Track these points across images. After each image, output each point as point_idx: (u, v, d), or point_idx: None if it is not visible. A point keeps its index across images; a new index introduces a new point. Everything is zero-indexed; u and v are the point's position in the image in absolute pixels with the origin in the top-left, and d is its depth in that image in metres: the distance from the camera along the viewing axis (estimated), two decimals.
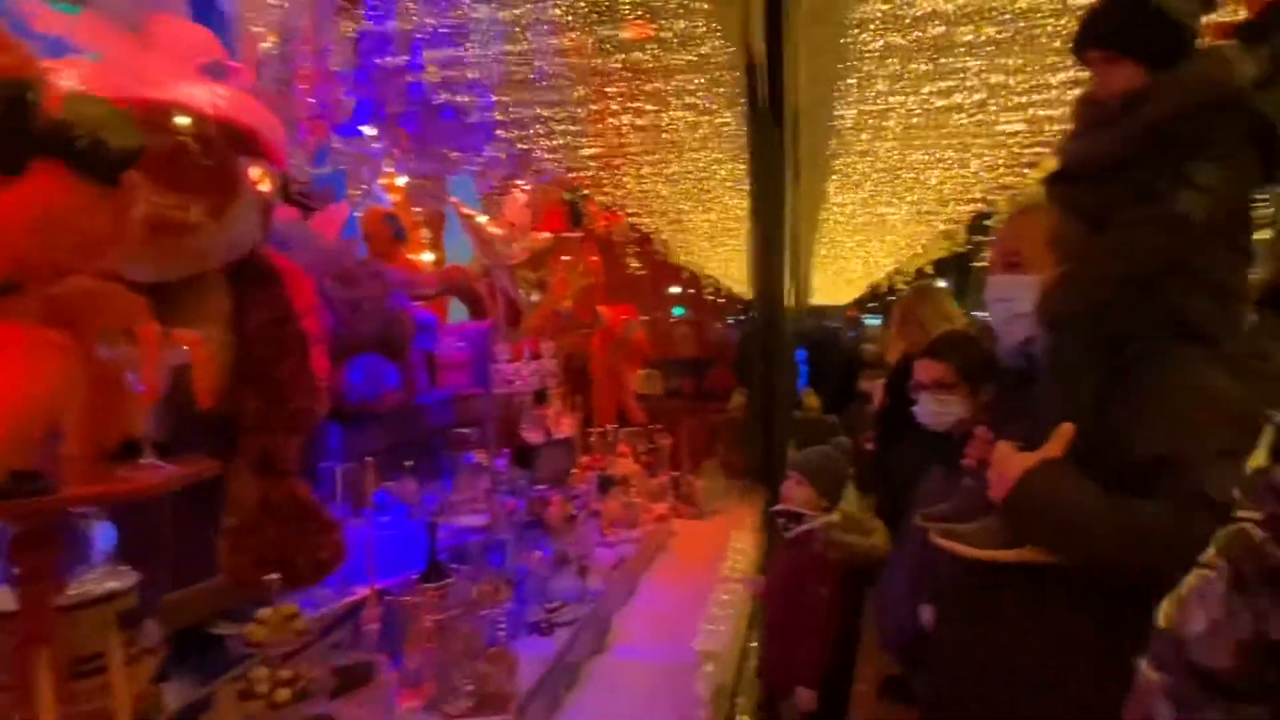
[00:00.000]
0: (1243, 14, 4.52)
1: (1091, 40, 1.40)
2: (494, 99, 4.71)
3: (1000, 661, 1.38)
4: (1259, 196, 1.31)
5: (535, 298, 4.94)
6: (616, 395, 4.90)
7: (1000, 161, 6.78)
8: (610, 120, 5.58)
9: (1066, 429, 1.24)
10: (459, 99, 4.55)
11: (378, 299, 2.50)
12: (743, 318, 7.40)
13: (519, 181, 5.38)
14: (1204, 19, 1.37)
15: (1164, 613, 0.61)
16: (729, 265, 12.17)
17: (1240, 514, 0.56)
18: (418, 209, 4.56)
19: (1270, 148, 1.24)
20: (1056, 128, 5.45)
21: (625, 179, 7.26)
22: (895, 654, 1.95)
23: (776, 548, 2.74)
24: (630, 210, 8.24)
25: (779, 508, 2.61)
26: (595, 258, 5.58)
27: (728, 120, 5.55)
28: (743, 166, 6.03)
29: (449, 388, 3.14)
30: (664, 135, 6.00)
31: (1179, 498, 1.11)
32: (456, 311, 4.27)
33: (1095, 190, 1.33)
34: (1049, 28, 4.06)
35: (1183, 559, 0.62)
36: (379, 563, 1.92)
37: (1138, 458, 1.18)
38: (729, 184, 7.51)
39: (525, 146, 5.52)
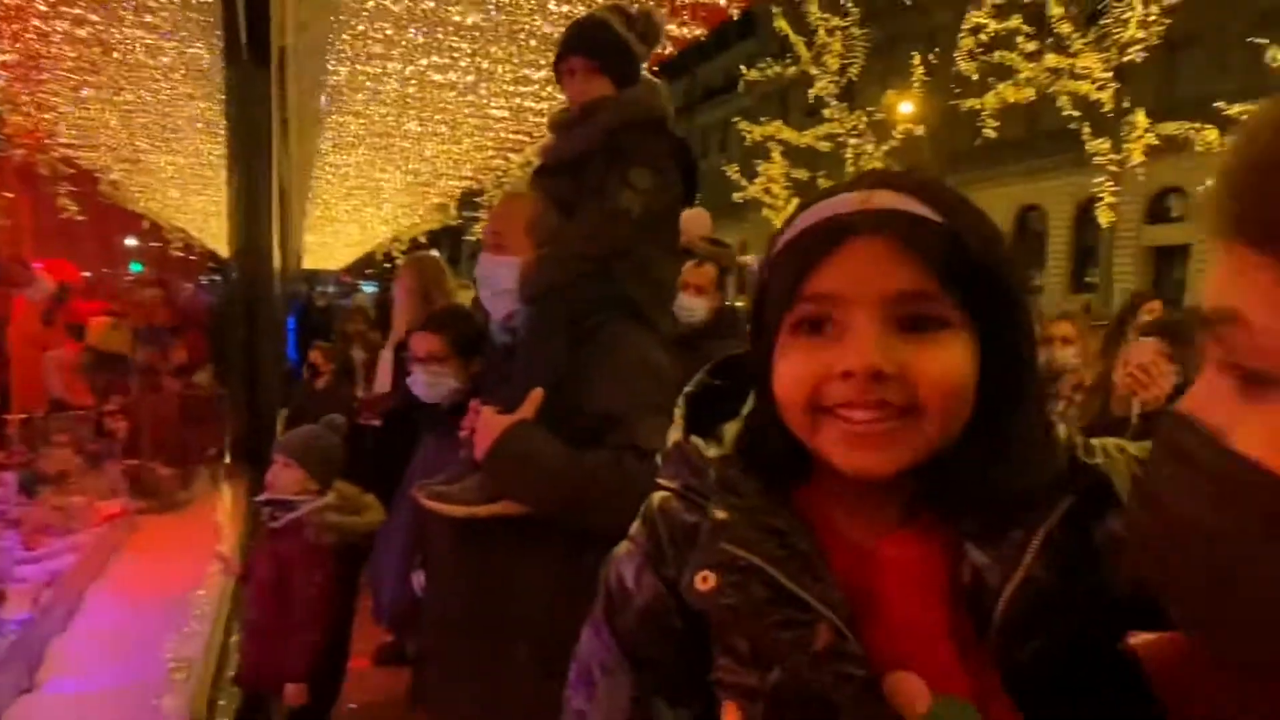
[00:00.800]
0: (670, 49, 5.53)
1: (582, 50, 1.57)
2: None
3: (484, 614, 1.50)
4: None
5: None
6: (46, 373, 3.95)
7: (489, 144, 7.22)
8: (33, 22, 4.40)
9: (537, 394, 1.40)
10: None
11: None
12: (220, 278, 6.59)
13: None
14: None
15: (600, 577, 0.67)
16: (206, 218, 10.71)
17: (662, 482, 0.64)
18: None
19: (690, 170, 1.56)
20: (537, 119, 6.00)
21: (57, 100, 5.83)
22: (389, 623, 1.97)
23: (261, 539, 2.53)
24: (65, 140, 6.66)
25: (264, 496, 2.40)
26: (13, 194, 4.40)
27: (200, 52, 4.84)
28: (219, 108, 5.33)
29: None
30: (114, 55, 4.97)
31: (617, 446, 1.34)
32: None
33: (566, 184, 1.52)
34: (527, 26, 4.44)
35: (620, 500, 0.73)
36: None
37: (590, 415, 1.39)
38: (202, 125, 6.57)
39: None
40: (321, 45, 4.90)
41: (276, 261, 4.87)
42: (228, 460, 3.97)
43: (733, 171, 16.52)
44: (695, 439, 0.63)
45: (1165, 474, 0.35)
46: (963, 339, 0.53)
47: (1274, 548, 0.30)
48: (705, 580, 0.56)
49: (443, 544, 1.63)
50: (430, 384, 2.04)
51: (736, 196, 16.98)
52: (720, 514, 0.58)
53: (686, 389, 0.66)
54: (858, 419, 0.53)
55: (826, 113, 13.94)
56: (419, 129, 6.92)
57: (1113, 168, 12.44)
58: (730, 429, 0.63)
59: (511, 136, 6.89)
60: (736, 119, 17.33)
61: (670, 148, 1.51)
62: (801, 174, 15.23)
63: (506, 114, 6.24)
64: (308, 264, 15.02)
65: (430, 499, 1.48)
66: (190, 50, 4.85)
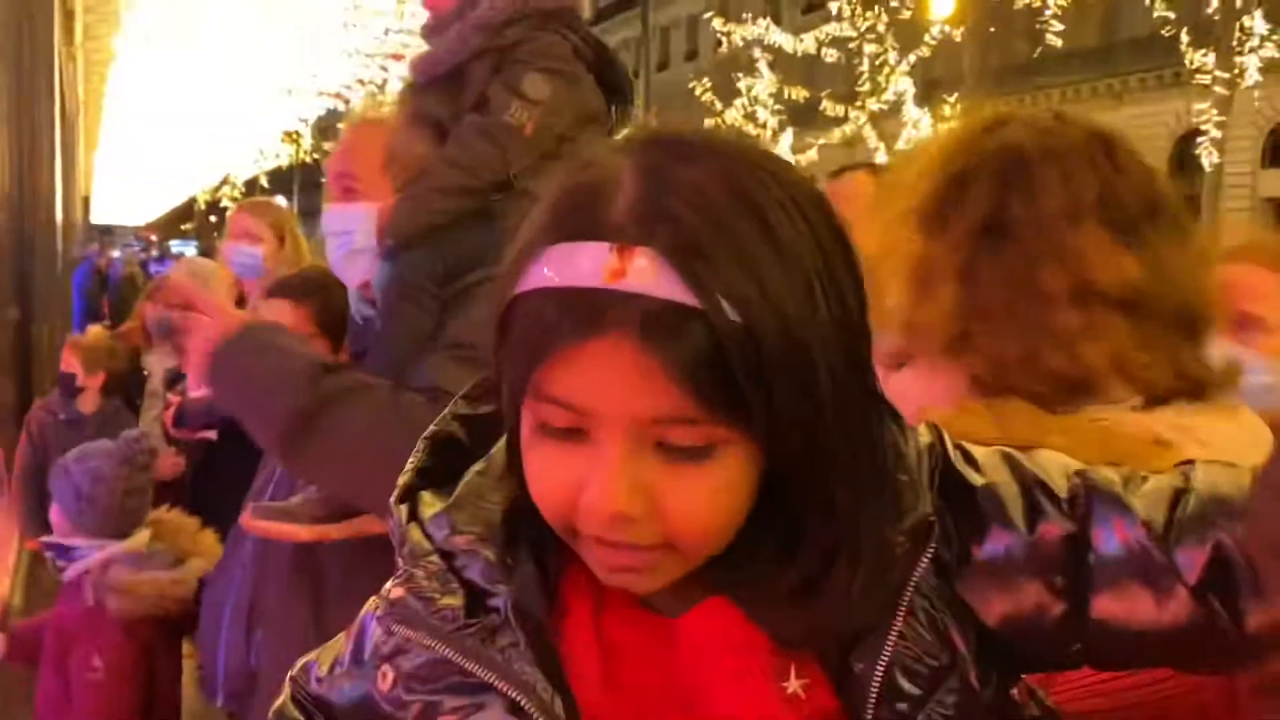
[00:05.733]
0: None
1: None
2: None
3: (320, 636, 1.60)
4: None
5: None
6: None
7: (360, 48, 7.21)
8: None
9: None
10: None
11: None
12: None
13: None
14: None
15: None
16: None
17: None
18: None
19: (609, 80, 1.63)
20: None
21: None
22: (225, 700, 2.03)
23: (52, 596, 2.56)
24: None
25: (48, 539, 2.38)
26: None
27: None
28: None
29: None
30: None
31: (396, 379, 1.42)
32: None
33: (441, 101, 1.59)
34: None
35: (367, 437, 0.82)
36: None
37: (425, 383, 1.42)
38: None
39: None
40: None
41: (61, 213, 4.86)
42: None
43: (703, 89, 16.51)
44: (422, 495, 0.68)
45: None
46: (731, 458, 0.57)
47: None
48: (384, 677, 0.64)
49: (279, 590, 1.72)
50: None
51: (709, 123, 17.09)
52: (396, 590, 0.64)
53: (431, 427, 0.70)
54: (611, 552, 0.59)
55: (833, 8, 14.07)
56: (260, 26, 6.89)
57: (1220, 89, 12.75)
58: (473, 472, 0.67)
59: (393, 37, 6.89)
60: (708, 15, 17.42)
61: (576, 47, 1.58)
62: (799, 93, 15.27)
63: (392, 5, 6.25)
64: (100, 217, 14.76)
65: (265, 519, 1.55)
66: None
